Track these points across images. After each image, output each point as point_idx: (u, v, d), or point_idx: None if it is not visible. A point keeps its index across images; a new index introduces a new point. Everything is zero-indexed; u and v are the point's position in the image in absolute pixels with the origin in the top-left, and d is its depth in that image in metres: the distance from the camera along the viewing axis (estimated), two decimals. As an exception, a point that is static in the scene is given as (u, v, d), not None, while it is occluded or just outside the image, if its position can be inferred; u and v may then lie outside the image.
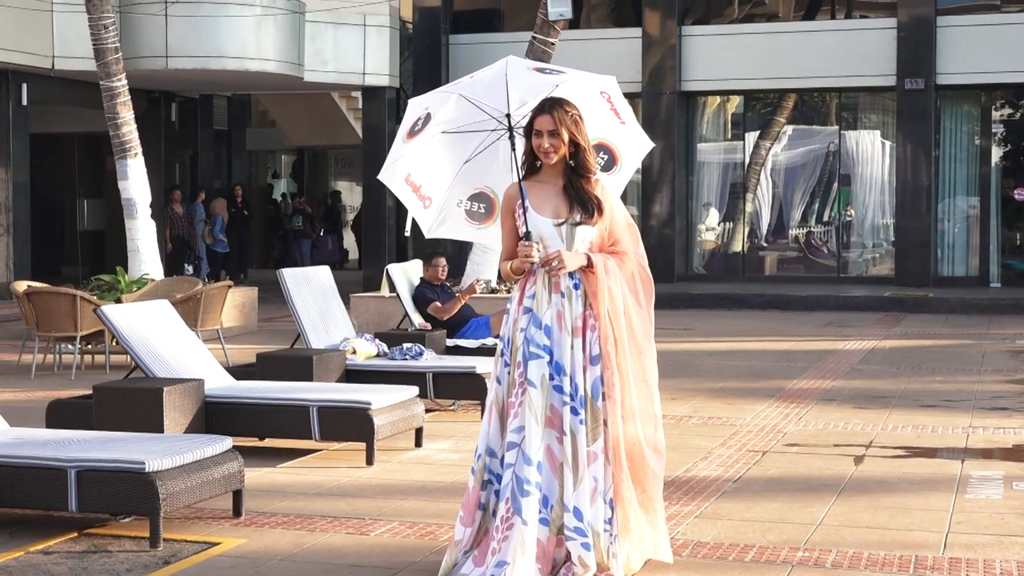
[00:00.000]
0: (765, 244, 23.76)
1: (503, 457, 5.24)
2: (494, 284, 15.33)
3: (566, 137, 5.25)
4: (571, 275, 5.29)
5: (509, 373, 5.30)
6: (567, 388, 5.21)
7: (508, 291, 14.36)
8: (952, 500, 6.80)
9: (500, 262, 5.48)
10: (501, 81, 5.79)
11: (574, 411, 5.20)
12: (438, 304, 11.00)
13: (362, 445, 7.86)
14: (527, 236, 5.27)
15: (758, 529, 6.19)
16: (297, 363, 8.96)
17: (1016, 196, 21.89)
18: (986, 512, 6.54)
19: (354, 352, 9.63)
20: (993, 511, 6.56)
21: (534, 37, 15.91)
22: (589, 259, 5.27)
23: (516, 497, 5.13)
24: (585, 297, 5.29)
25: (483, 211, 6.11)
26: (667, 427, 8.02)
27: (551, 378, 5.22)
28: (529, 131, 5.32)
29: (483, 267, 15.72)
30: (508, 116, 5.76)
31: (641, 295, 5.39)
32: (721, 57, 22.61)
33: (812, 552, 5.77)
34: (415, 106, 6.13)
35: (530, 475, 5.14)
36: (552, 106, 5.29)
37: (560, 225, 5.30)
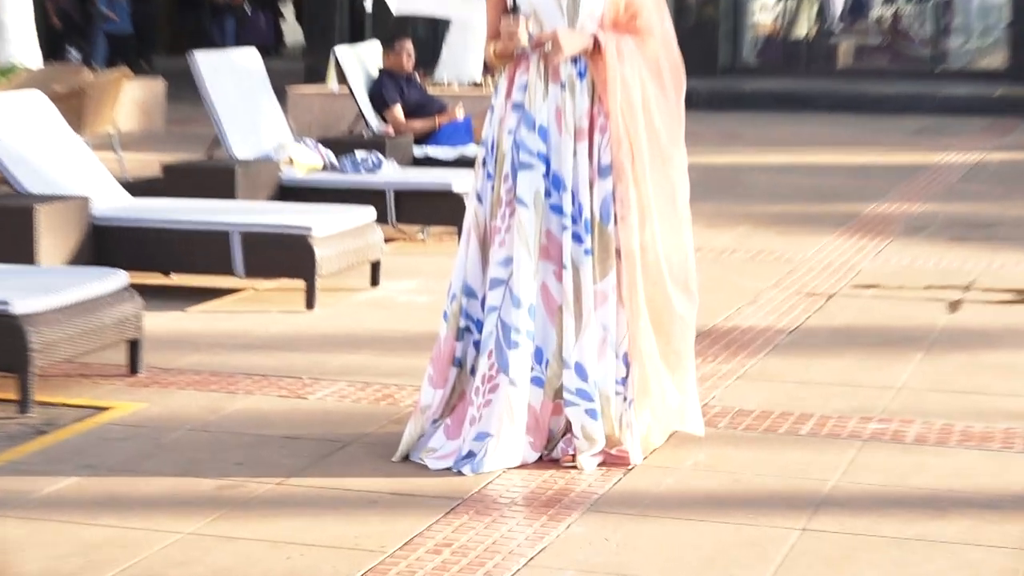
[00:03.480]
0: (837, 28, 23.61)
1: (484, 298, 5.26)
2: (477, 79, 15.20)
3: None
4: (575, 61, 5.25)
5: (493, 188, 5.30)
6: (568, 208, 5.20)
7: (495, 85, 14.26)
8: (1073, 358, 6.86)
9: (485, 44, 5.43)
10: None
11: (577, 238, 5.19)
12: (399, 116, 10.81)
13: (300, 283, 7.90)
14: (515, 9, 5.23)
15: (819, 394, 6.22)
16: (215, 176, 9.00)
17: None
18: (1116, 373, 6.59)
19: (291, 163, 9.65)
20: (1126, 371, 6.62)
21: None
22: (596, 39, 5.22)
23: (502, 350, 5.15)
24: (593, 89, 5.26)
25: None
26: (703, 262, 8.06)
27: (547, 195, 5.22)
28: None
29: (465, 54, 15.57)
30: None
31: (669, 85, 5.36)
32: None
33: (889, 423, 5.79)
34: None
35: (520, 321, 5.15)
36: None
37: (561, -7, 5.25)
